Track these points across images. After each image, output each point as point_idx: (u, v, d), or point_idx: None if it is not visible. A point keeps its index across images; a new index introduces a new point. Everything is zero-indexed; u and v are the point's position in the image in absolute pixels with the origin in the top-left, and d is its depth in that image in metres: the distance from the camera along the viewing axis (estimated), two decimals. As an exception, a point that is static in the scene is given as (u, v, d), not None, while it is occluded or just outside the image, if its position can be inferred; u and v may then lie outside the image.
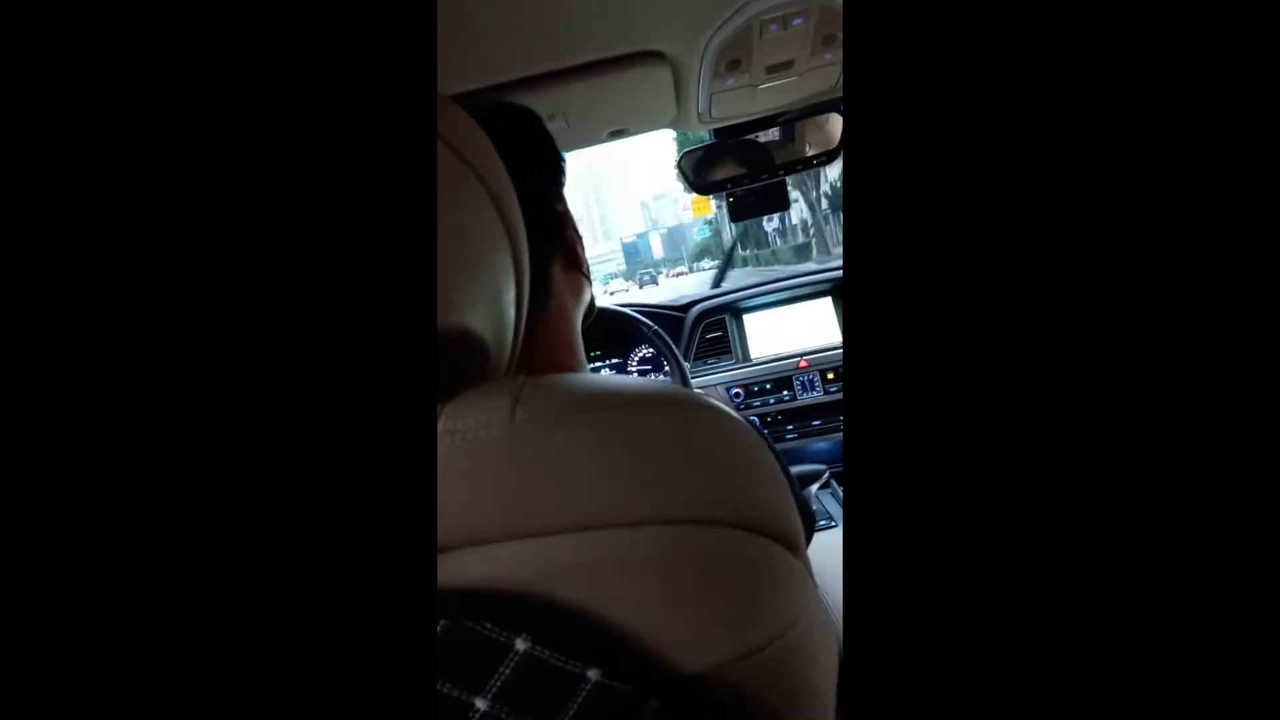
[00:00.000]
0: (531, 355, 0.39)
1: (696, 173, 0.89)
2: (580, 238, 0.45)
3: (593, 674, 0.26)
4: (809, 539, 0.45)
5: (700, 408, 0.32)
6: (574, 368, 0.44)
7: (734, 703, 0.31)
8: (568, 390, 0.31)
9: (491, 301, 0.29)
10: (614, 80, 0.65)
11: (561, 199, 0.43)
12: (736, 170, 0.87)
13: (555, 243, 0.41)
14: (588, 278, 0.46)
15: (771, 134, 0.86)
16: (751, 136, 0.86)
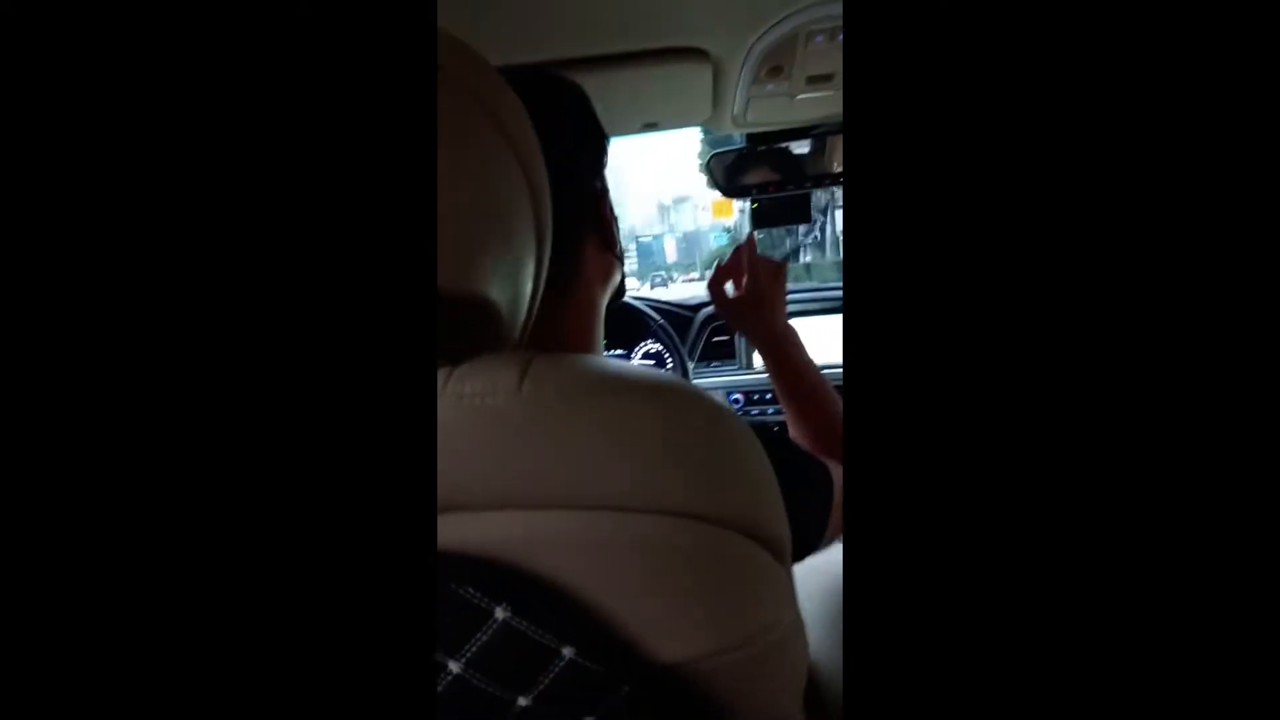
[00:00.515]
0: (549, 332, 0.39)
1: (725, 174, 0.89)
2: (617, 219, 0.44)
3: (568, 651, 0.25)
4: (808, 551, 0.44)
5: (708, 404, 0.32)
6: (589, 349, 0.43)
7: (705, 699, 0.31)
8: (576, 369, 0.31)
9: (510, 271, 0.29)
10: (653, 72, 0.65)
11: (602, 177, 0.42)
12: (764, 177, 0.87)
13: (590, 221, 0.41)
14: (620, 260, 0.45)
15: (803, 146, 0.86)
16: (783, 145, 0.86)
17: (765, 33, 0.60)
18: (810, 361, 0.58)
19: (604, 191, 0.42)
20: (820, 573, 0.65)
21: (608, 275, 0.43)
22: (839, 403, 0.56)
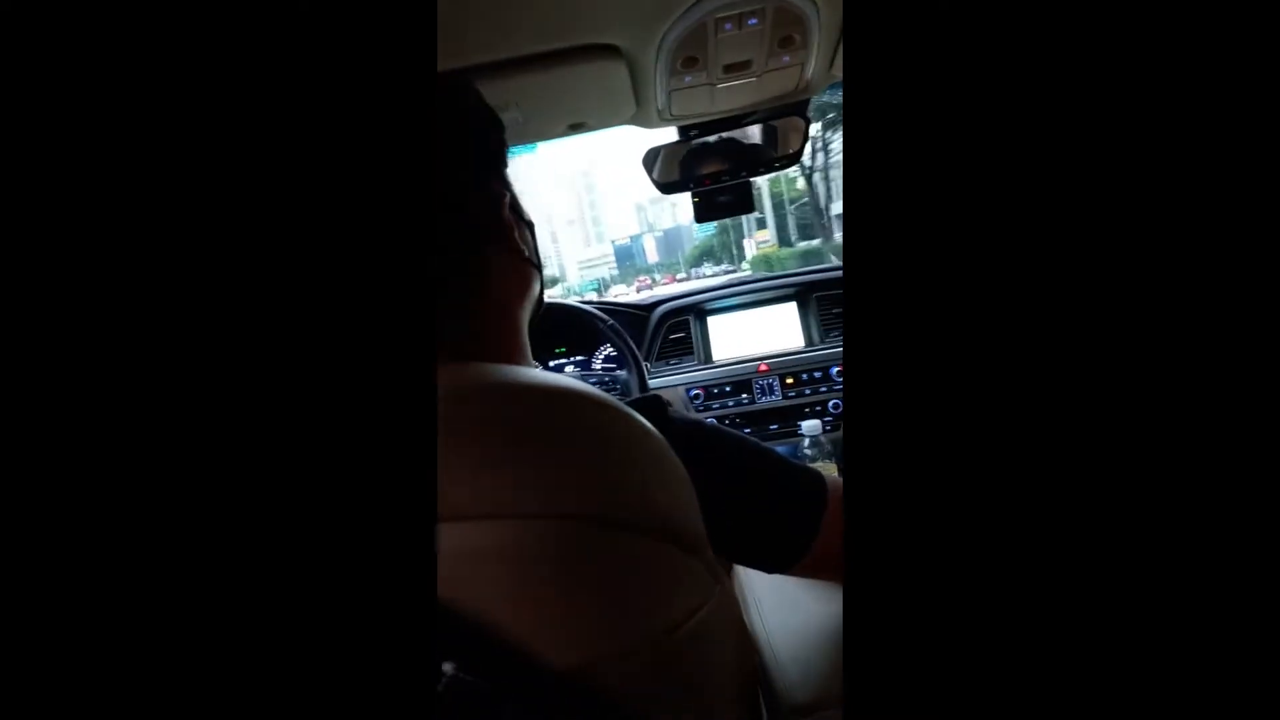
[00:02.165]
0: (463, 343, 0.38)
1: (660, 170, 0.88)
2: (528, 225, 0.43)
3: (447, 667, 0.25)
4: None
5: (598, 406, 0.32)
6: (512, 359, 0.42)
7: (611, 703, 0.30)
8: (463, 377, 0.30)
9: None
10: (568, 73, 0.64)
11: (503, 181, 0.41)
12: (700, 170, 0.87)
13: (490, 224, 0.39)
14: (536, 266, 0.43)
15: (736, 135, 0.85)
16: (718, 136, 0.85)
17: (673, 25, 0.60)
18: None
19: (503, 194, 0.41)
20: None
21: (521, 282, 0.42)
22: None
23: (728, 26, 0.61)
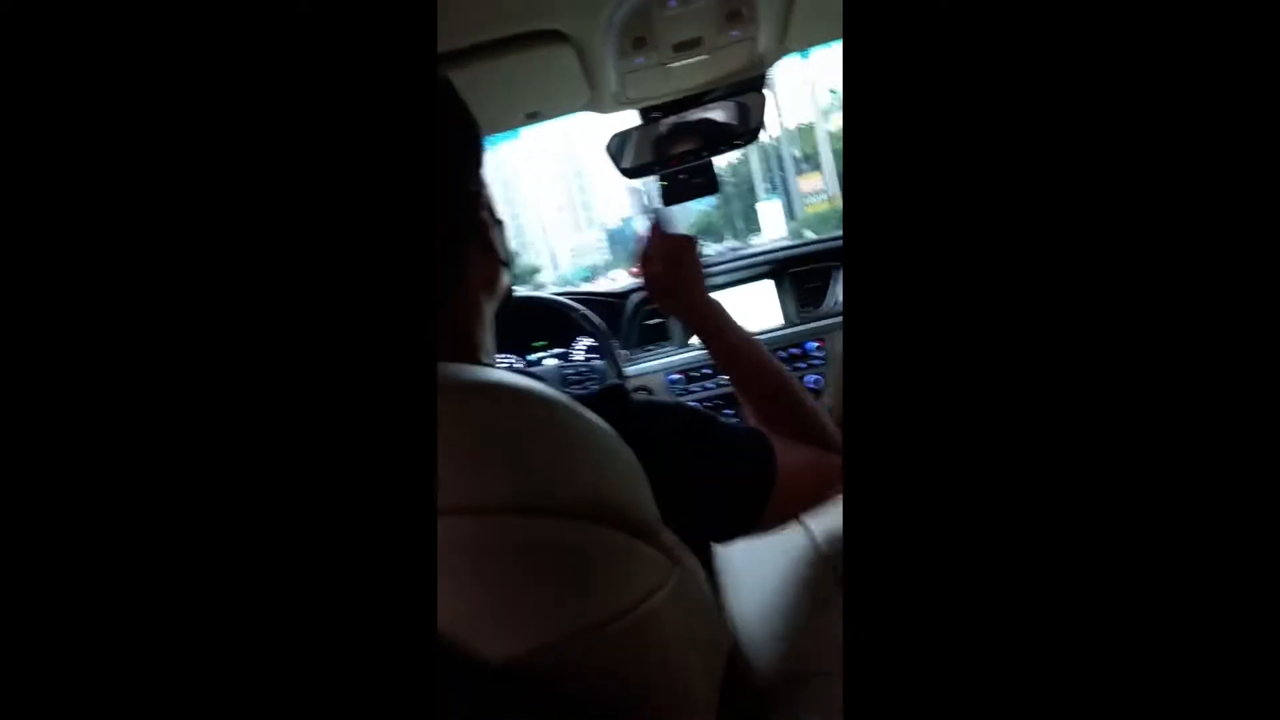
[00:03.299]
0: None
1: (624, 156, 0.87)
2: (499, 223, 0.44)
3: None
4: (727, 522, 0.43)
5: (534, 398, 0.32)
6: (474, 356, 0.42)
7: (566, 688, 0.31)
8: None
9: None
10: (515, 61, 0.63)
11: (478, 180, 0.41)
12: (664, 152, 0.86)
13: (467, 223, 0.40)
14: (505, 264, 0.44)
15: (697, 113, 0.84)
16: (678, 116, 0.84)
17: (617, 6, 0.59)
18: (742, 333, 0.57)
19: (479, 194, 0.41)
20: (749, 555, 0.65)
21: (491, 280, 0.42)
22: (781, 373, 0.55)
23: (672, 4, 0.60)
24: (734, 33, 0.65)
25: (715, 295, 1.19)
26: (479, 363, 0.41)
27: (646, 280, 0.62)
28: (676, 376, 1.07)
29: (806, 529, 0.65)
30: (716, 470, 0.41)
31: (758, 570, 0.63)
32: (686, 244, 0.60)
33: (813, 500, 0.46)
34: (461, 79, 0.65)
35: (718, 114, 0.84)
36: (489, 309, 0.43)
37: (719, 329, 0.57)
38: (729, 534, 0.44)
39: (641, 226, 0.65)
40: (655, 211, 0.68)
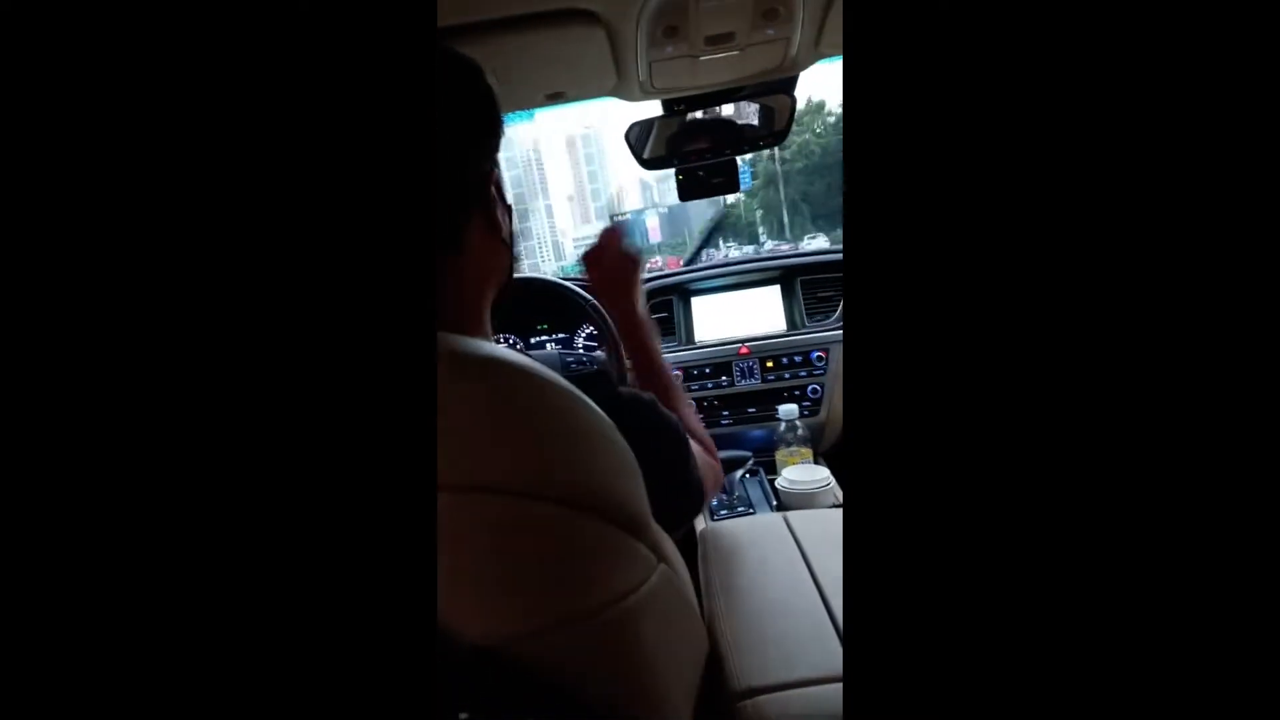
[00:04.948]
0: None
1: (644, 145, 0.86)
2: (509, 208, 0.44)
3: None
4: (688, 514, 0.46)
5: (538, 381, 0.31)
6: (473, 332, 0.42)
7: (542, 674, 0.30)
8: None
9: None
10: (547, 39, 0.62)
11: (493, 160, 0.41)
12: (685, 146, 0.85)
13: (475, 201, 0.40)
14: (509, 246, 0.44)
15: (722, 111, 0.83)
16: (703, 111, 0.83)
17: None
18: (655, 349, 0.64)
19: (492, 174, 0.41)
20: (718, 544, 0.64)
21: (496, 261, 0.43)
22: (679, 389, 0.63)
23: (709, -5, 0.59)
24: (769, 30, 0.64)
25: (723, 296, 1.18)
26: (471, 334, 0.41)
27: (590, 278, 0.67)
28: (677, 372, 1.06)
29: (789, 527, 0.65)
30: (677, 467, 0.44)
31: (743, 575, 0.62)
32: (630, 264, 0.64)
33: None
34: (486, 52, 0.64)
35: (743, 112, 0.83)
36: (490, 289, 0.43)
37: (640, 340, 0.64)
38: (676, 526, 0.47)
39: (601, 230, 0.68)
40: (617, 221, 0.70)
